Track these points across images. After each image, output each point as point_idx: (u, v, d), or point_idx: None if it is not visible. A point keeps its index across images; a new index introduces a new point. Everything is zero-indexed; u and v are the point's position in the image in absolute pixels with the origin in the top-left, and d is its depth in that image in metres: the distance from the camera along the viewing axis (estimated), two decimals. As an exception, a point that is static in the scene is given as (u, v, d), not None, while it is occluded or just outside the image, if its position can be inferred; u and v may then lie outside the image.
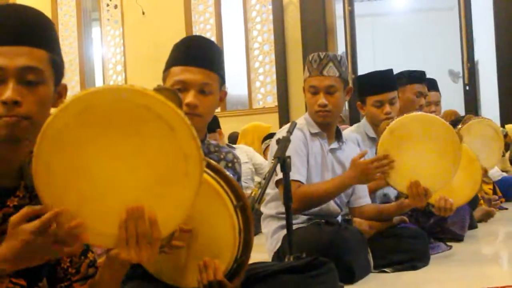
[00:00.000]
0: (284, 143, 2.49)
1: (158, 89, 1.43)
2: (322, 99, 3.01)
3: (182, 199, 1.51)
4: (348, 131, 3.59)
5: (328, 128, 3.12)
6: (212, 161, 1.92)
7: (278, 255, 2.89)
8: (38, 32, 1.54)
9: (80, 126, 1.42)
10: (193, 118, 2.09)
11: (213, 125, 4.85)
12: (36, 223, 1.35)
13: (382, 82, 3.57)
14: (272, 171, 2.38)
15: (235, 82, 10.24)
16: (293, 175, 2.86)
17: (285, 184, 2.48)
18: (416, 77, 4.00)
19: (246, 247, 1.91)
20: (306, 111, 3.22)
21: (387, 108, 3.49)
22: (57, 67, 1.59)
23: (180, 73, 2.14)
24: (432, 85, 4.45)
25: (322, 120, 3.06)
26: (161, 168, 1.48)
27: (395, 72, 3.78)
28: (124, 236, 1.47)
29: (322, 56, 3.04)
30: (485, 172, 4.06)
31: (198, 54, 2.17)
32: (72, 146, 1.43)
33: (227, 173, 1.91)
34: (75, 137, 1.42)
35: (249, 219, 1.90)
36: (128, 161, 1.47)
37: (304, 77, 3.10)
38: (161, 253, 1.66)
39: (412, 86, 3.94)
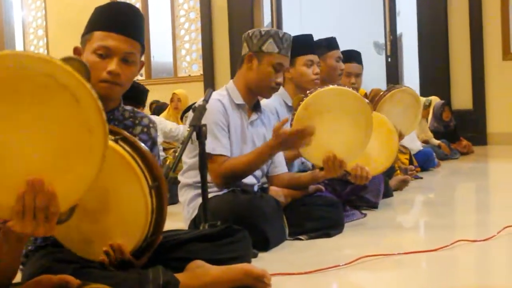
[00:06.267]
0: (199, 111, 2.48)
1: (67, 59, 1.39)
2: (281, 77, 3.07)
3: (84, 174, 1.48)
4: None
5: (253, 100, 3.13)
6: (131, 137, 1.88)
7: (195, 223, 2.88)
8: None
9: None
10: (113, 87, 2.09)
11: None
12: None
13: (312, 43, 3.67)
14: (187, 139, 2.37)
15: (160, 50, 10.12)
16: (217, 149, 2.87)
17: (201, 152, 2.47)
18: (333, 43, 4.08)
19: (157, 227, 1.91)
20: (231, 79, 3.19)
21: (317, 68, 3.58)
22: None
23: (104, 39, 2.07)
24: (355, 57, 4.51)
25: (269, 97, 3.16)
26: (64, 141, 1.44)
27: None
28: (21, 209, 1.44)
29: (290, 38, 3.09)
30: (401, 136, 4.20)
31: (123, 21, 2.11)
32: None
33: (147, 149, 1.88)
34: None
35: (163, 199, 1.88)
36: (30, 131, 1.42)
37: (270, 50, 3.00)
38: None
39: (332, 53, 4.01)
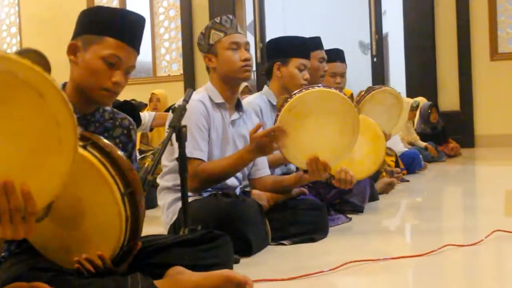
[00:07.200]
0: (179, 111, 2.41)
1: (23, 52, 1.34)
2: (246, 54, 2.98)
3: (58, 168, 1.46)
4: (251, 98, 3.54)
5: (233, 97, 3.07)
6: (102, 141, 1.85)
7: (174, 228, 2.82)
8: None
9: None
10: (112, 96, 2.11)
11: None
12: None
13: (310, 49, 3.63)
14: (167, 141, 2.32)
15: (139, 48, 10.05)
16: (193, 152, 2.81)
17: (180, 154, 2.41)
18: (317, 42, 4.01)
19: (134, 234, 1.88)
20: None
21: (307, 74, 3.52)
22: None
23: (118, 48, 2.07)
24: (339, 56, 4.45)
25: (246, 76, 3.01)
26: (33, 137, 1.41)
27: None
28: None
29: (231, 17, 3.04)
30: (387, 136, 4.17)
31: (136, 35, 2.16)
32: None
33: (119, 154, 1.84)
34: None
35: (138, 205, 1.86)
36: None
37: (216, 39, 2.99)
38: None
39: (315, 53, 3.94)
